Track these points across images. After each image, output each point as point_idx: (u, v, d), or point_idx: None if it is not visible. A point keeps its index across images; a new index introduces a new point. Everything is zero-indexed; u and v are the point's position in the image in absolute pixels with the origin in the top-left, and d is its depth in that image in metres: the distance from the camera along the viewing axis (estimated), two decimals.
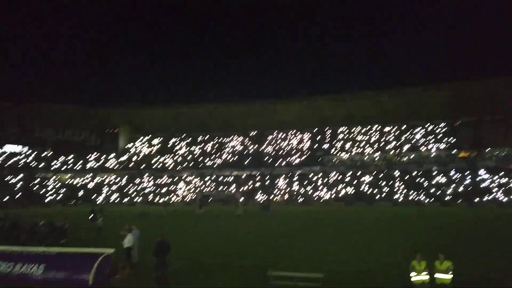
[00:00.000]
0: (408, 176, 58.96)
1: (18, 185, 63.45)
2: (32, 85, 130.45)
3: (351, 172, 63.01)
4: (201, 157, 74.53)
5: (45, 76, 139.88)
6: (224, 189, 63.13)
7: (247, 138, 78.47)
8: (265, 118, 76.47)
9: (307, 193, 60.33)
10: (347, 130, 73.46)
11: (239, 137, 79.19)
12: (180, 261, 14.31)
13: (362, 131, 72.58)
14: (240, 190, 59.20)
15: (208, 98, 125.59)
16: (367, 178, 60.73)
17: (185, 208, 48.48)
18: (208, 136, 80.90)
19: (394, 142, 67.18)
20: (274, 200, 58.33)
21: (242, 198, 49.18)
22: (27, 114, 73.79)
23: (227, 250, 17.69)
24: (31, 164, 70.44)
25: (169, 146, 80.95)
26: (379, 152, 65.36)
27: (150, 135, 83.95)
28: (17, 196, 59.11)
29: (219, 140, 79.46)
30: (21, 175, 66.02)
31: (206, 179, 68.52)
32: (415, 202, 51.58)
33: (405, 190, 55.48)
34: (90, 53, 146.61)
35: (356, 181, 60.85)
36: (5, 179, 63.41)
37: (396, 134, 69.37)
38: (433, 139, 64.99)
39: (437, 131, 66.74)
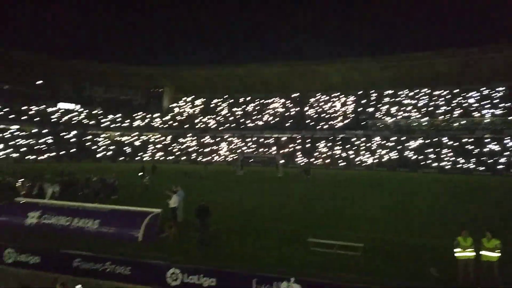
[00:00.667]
0: (457, 143, 56.31)
1: (72, 141, 67.58)
2: (83, 43, 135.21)
3: (395, 137, 61.14)
4: (243, 118, 75.06)
5: (95, 35, 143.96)
6: (264, 151, 63.76)
7: (289, 100, 77.66)
8: (308, 80, 74.83)
9: (348, 157, 59.60)
10: (394, 93, 70.56)
11: (280, 99, 78.54)
12: (220, 224, 14.87)
13: (410, 94, 69.42)
14: (281, 152, 59.49)
15: (250, 58, 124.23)
16: (412, 144, 58.77)
17: (226, 168, 49.61)
18: (249, 97, 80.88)
19: (445, 107, 63.79)
20: (315, 163, 58.26)
21: (283, 160, 49.44)
22: (79, 72, 76.96)
23: (267, 213, 18.11)
24: (83, 121, 74.38)
25: (211, 106, 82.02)
26: (427, 117, 62.52)
27: (193, 96, 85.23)
28: (71, 151, 63.22)
29: (261, 102, 79.28)
30: (74, 131, 70.06)
31: (247, 140, 69.34)
32: (463, 170, 49.53)
33: (453, 158, 53.25)
34: (138, 13, 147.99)
35: (400, 146, 59.12)
36: (60, 135, 67.64)
37: (447, 98, 65.71)
38: (489, 104, 60.94)
39: (493, 96, 62.38)
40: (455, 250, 9.28)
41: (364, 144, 61.98)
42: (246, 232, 13.97)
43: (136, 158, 64.86)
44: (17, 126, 63.85)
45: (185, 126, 75.83)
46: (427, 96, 67.60)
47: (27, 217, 13.64)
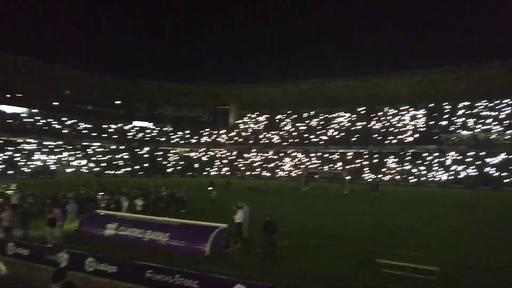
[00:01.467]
0: None
1: (145, 156, 72.12)
2: (155, 65, 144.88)
3: (473, 152, 56.57)
4: (307, 134, 74.59)
5: (165, 57, 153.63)
6: (330, 167, 62.51)
7: (355, 114, 75.75)
8: (374, 93, 72.52)
9: (420, 173, 56.25)
10: (470, 105, 65.59)
11: (345, 113, 76.93)
12: (286, 240, 14.73)
13: (489, 105, 64.05)
14: (347, 168, 57.95)
15: (314, 74, 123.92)
16: (493, 159, 53.90)
17: (291, 184, 49.41)
18: (313, 112, 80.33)
19: None
20: (383, 179, 55.82)
21: (349, 176, 48.06)
22: (152, 92, 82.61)
23: (333, 231, 17.60)
24: (155, 138, 79.22)
25: (275, 122, 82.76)
26: (510, 130, 57.08)
27: (257, 112, 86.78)
28: (144, 166, 67.38)
29: (325, 116, 78.31)
30: (147, 148, 74.80)
31: (311, 155, 68.60)
32: None
33: None
34: (205, 36, 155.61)
35: (479, 162, 54.53)
36: (135, 151, 72.56)
37: None
38: None
39: None
40: None
41: (437, 159, 58.17)
42: (312, 250, 13.69)
43: (204, 173, 67.28)
44: (98, 143, 69.70)
45: (249, 142, 77.20)
46: (510, 108, 61.81)
47: (106, 228, 14.68)
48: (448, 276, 10.59)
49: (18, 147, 58.50)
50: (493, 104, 63.75)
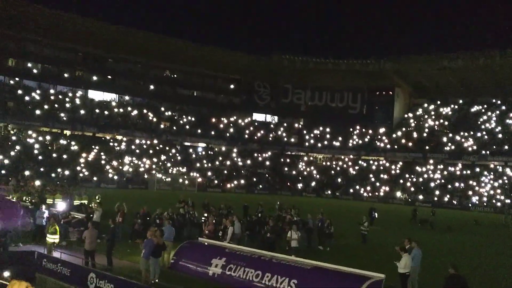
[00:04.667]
0: None
1: (267, 164, 74.77)
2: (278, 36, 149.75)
3: None
4: None
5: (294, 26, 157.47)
6: None
7: None
8: None
9: None
10: None
11: None
12: None
13: None
14: None
15: None
16: None
17: (492, 217, 45.89)
18: None
19: None
20: None
21: None
22: (280, 73, 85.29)
23: None
24: (282, 138, 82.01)
25: (470, 117, 77.87)
26: None
27: (439, 101, 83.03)
28: (265, 178, 70.00)
29: None
30: (270, 152, 77.42)
31: None
32: None
33: None
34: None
35: None
36: (254, 155, 75.65)
37: None
38: None
39: None
40: None
41: None
42: None
43: (351, 191, 67.17)
44: (204, 144, 74.98)
45: (425, 148, 73.96)
46: None
47: (210, 264, 15.61)
48: None
49: (105, 145, 65.75)
50: None
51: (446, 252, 22.45)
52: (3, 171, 49.55)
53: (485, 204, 59.82)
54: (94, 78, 74.33)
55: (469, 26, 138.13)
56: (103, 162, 61.75)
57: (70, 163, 58.03)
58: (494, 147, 68.61)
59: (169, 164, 67.00)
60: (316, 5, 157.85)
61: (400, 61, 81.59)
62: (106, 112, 71.27)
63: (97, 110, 70.43)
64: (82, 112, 67.79)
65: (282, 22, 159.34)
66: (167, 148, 70.29)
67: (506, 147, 67.35)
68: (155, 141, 70.56)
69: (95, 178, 56.45)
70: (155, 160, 66.52)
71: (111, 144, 67.01)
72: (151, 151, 68.32)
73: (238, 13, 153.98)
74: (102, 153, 63.26)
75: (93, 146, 63.90)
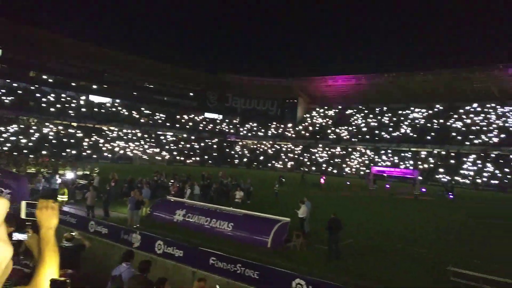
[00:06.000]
0: None
1: (214, 147, 74.73)
2: (228, 58, 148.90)
3: None
4: (377, 130, 71.68)
5: (237, 50, 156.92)
6: (401, 165, 59.57)
7: (432, 111, 71.04)
8: (455, 89, 67.31)
9: (503, 177, 51.33)
10: None
11: (421, 110, 72.50)
12: (351, 239, 14.44)
13: None
14: (420, 168, 54.76)
15: (388, 67, 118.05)
16: None
17: (358, 182, 48.01)
18: (386, 107, 76.92)
19: None
20: (460, 182, 51.93)
21: (421, 177, 45.44)
22: (223, 85, 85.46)
23: (400, 234, 16.84)
24: (224, 130, 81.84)
25: (344, 117, 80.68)
26: None
27: (326, 106, 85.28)
28: (213, 156, 69.93)
29: (399, 112, 74.53)
30: (216, 139, 77.43)
31: (382, 153, 65.90)
32: None
33: None
34: (275, 30, 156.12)
35: None
36: (205, 141, 75.49)
37: None
38: None
39: None
40: None
41: None
42: (376, 251, 13.27)
43: (268, 165, 68.23)
44: (171, 133, 73.71)
45: (317, 137, 76.22)
46: None
47: (175, 214, 15.60)
48: None
49: (102, 133, 64.02)
50: None
51: (328, 203, 23.38)
52: (25, 151, 47.24)
53: (354, 173, 62.44)
54: (94, 86, 71.96)
55: (347, 54, 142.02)
56: (100, 145, 60.03)
57: (76, 146, 56.25)
58: (360, 136, 71.68)
59: (146, 146, 65.78)
60: (249, 38, 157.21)
61: (302, 81, 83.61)
62: (102, 111, 69.27)
63: (95, 109, 68.21)
64: (84, 110, 65.64)
65: (231, 48, 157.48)
66: (145, 136, 68.84)
67: (368, 136, 70.60)
68: (137, 131, 68.95)
69: (94, 156, 54.87)
70: (137, 143, 65.25)
71: (106, 133, 65.05)
72: (134, 138, 66.92)
73: (202, 41, 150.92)
74: (100, 139, 61.46)
75: (92, 134, 61.93)
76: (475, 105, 67.22)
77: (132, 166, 49.47)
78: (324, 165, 66.44)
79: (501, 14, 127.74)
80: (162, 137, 71.52)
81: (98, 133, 63.21)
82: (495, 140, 58.23)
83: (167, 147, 68.50)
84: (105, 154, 58.01)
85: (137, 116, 72.63)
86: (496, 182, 51.03)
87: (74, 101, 66.86)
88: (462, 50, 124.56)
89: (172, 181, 24.82)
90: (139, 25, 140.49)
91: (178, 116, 78.44)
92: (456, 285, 10.05)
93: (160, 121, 74.89)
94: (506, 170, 52.38)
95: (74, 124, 62.52)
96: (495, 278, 9.91)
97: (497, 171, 52.94)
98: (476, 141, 59.43)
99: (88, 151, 56.45)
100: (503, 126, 60.55)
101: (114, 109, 71.55)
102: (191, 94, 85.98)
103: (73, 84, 69.16)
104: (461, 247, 14.80)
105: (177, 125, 76.07)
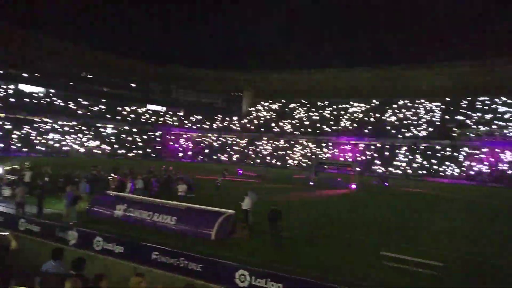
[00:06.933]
0: None
1: (157, 140, 72.73)
2: (171, 49, 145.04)
3: (487, 148, 55.60)
4: (319, 123, 74.10)
5: (181, 41, 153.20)
6: (340, 157, 62.19)
7: (369, 106, 74.90)
8: (391, 85, 71.56)
9: (431, 168, 55.62)
10: (489, 101, 64.25)
11: (360, 104, 76.14)
12: (290, 229, 14.81)
13: (508, 102, 62.61)
14: (358, 160, 57.53)
15: (331, 62, 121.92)
16: (509, 156, 52.94)
17: (300, 173, 49.31)
18: (327, 102, 79.67)
19: None
20: (394, 172, 55.43)
21: (359, 168, 47.75)
22: (167, 76, 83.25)
23: (338, 222, 17.62)
24: (168, 122, 79.79)
25: (288, 110, 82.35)
26: None
27: (270, 100, 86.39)
28: (156, 149, 68.07)
29: (339, 107, 77.61)
30: (160, 131, 75.36)
31: (323, 145, 68.30)
32: None
33: None
34: (222, 21, 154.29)
35: (494, 159, 53.58)
36: (148, 133, 73.19)
37: None
38: None
39: None
40: None
41: (450, 154, 57.36)
42: (316, 240, 13.75)
43: (214, 157, 67.89)
44: (112, 125, 70.47)
45: (261, 130, 77.08)
46: None
47: (115, 209, 14.98)
48: (452, 272, 10.56)
49: (34, 125, 59.52)
50: None
51: (271, 194, 23.73)
52: None
53: (296, 164, 64.05)
54: (24, 74, 66.47)
55: (292, 49, 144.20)
56: (32, 137, 55.92)
57: (4, 138, 52.14)
58: (303, 129, 73.66)
59: (85, 139, 62.35)
60: (199, 30, 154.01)
61: (247, 74, 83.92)
62: (34, 101, 64.36)
63: (26, 99, 63.17)
64: (13, 100, 60.89)
65: (177, 39, 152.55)
66: (84, 128, 65.07)
67: (310, 130, 72.75)
68: (75, 123, 65.02)
69: (25, 149, 51.20)
70: (74, 136, 61.69)
71: (38, 124, 60.53)
72: (71, 130, 63.10)
73: (148, 30, 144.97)
74: (32, 131, 57.18)
75: (23, 126, 57.37)
76: (406, 100, 71.93)
77: (68, 160, 46.66)
78: (268, 158, 67.46)
79: (438, 16, 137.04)
80: (102, 130, 68.17)
81: (29, 125, 58.72)
82: (424, 133, 62.85)
83: (107, 140, 65.48)
84: (38, 147, 54.20)
85: (74, 107, 68.51)
86: (425, 172, 55.14)
87: (2, 90, 61.51)
88: (398, 48, 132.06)
89: (112, 175, 23.78)
90: (78, 12, 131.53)
91: (119, 108, 75.15)
92: (388, 269, 10.73)
93: (99, 113, 71.23)
94: (433, 161, 56.77)
95: (2, 115, 57.57)
96: (422, 261, 10.72)
97: (425, 162, 57.19)
98: (407, 134, 63.71)
99: (18, 144, 52.38)
100: (431, 120, 65.57)
101: (48, 100, 66.79)
102: (133, 85, 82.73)
103: (0, 71, 63.45)
104: (393, 233, 15.81)
105: (118, 117, 72.91)
